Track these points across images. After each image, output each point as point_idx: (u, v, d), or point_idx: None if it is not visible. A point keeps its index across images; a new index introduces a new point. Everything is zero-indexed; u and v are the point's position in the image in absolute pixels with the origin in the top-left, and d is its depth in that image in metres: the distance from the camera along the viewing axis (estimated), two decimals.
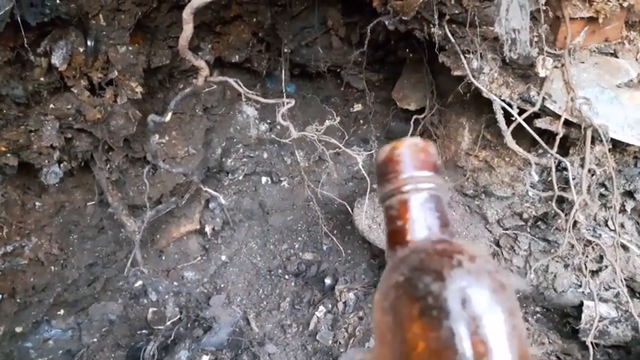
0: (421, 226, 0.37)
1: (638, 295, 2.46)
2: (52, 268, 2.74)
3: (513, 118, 2.08)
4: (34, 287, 2.65)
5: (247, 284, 3.33)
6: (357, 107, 3.86)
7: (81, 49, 2.17)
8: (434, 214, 0.37)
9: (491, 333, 0.29)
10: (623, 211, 2.34)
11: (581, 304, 2.38)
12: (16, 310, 2.60)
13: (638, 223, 2.41)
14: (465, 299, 0.29)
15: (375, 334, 0.34)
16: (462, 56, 2.11)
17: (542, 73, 1.97)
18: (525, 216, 2.55)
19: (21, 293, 2.61)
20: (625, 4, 1.92)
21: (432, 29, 2.15)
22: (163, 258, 3.26)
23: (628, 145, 2.05)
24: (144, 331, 2.95)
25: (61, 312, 2.84)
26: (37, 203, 2.62)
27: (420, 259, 0.33)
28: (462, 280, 0.30)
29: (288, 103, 2.21)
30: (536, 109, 2.04)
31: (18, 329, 2.63)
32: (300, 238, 3.59)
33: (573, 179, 2.12)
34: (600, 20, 1.95)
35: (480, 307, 0.29)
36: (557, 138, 2.06)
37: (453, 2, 2.02)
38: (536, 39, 1.99)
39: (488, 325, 0.29)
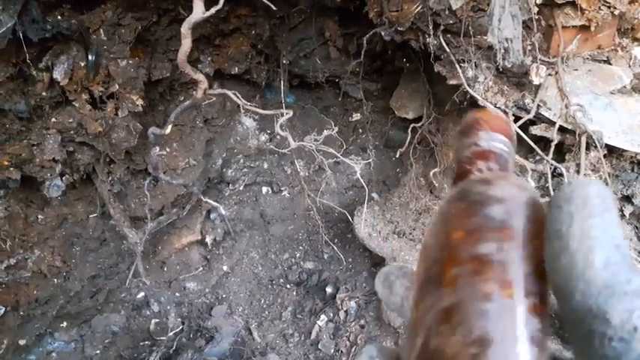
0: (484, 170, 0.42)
1: None
2: (55, 280, 2.76)
3: None
4: (37, 300, 2.67)
5: (249, 294, 3.35)
6: (356, 116, 3.89)
7: (82, 64, 2.20)
8: (497, 167, 0.41)
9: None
10: (621, 216, 2.35)
11: None
12: (19, 322, 2.61)
13: (637, 227, 2.41)
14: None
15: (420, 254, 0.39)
16: (457, 65, 2.14)
17: (536, 81, 1.99)
18: None
19: (24, 306, 2.62)
20: (616, 12, 1.95)
21: (428, 39, 2.18)
22: (165, 269, 3.28)
23: (624, 150, 2.07)
24: (146, 342, 2.96)
25: (64, 324, 2.86)
26: (39, 216, 2.65)
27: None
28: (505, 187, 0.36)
29: (286, 114, 2.24)
30: (531, 116, 2.06)
31: (21, 342, 2.64)
32: (301, 248, 3.60)
33: None
34: (592, 28, 1.98)
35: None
36: (553, 144, 2.08)
37: (447, 12, 2.05)
38: (529, 47, 2.02)
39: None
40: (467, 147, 0.42)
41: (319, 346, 2.86)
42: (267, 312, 3.22)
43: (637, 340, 0.23)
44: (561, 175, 2.13)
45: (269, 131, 3.69)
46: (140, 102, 2.46)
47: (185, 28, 1.70)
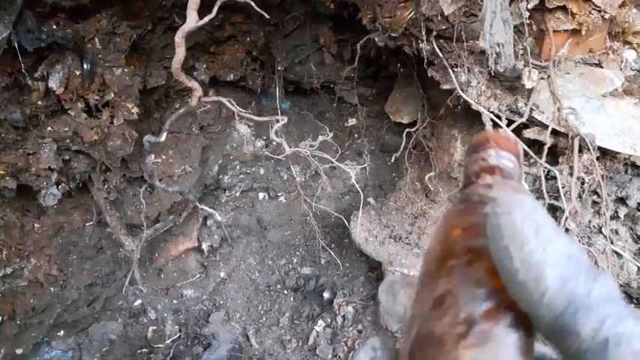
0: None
1: (635, 301, 2.47)
2: (52, 289, 2.75)
3: (502, 130, 2.12)
4: (33, 308, 2.66)
5: (246, 300, 3.34)
6: (352, 122, 3.91)
7: (77, 73, 2.21)
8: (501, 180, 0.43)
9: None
10: (616, 217, 2.36)
11: None
12: (16, 331, 2.60)
13: (631, 229, 2.43)
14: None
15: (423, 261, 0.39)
16: (450, 70, 2.15)
17: (528, 85, 2.01)
18: None
19: (21, 315, 2.61)
20: (607, 16, 1.97)
21: (421, 45, 2.20)
22: (162, 276, 3.27)
23: (617, 152, 2.09)
24: (144, 349, 2.95)
25: (61, 333, 2.85)
26: (36, 225, 2.65)
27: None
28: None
29: (281, 120, 2.25)
30: (524, 119, 2.08)
31: (18, 351, 2.63)
32: (298, 253, 3.60)
33: (563, 187, 2.15)
34: (583, 32, 2.00)
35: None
36: (546, 147, 2.10)
37: (439, 18, 2.07)
38: (521, 52, 2.04)
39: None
40: (475, 162, 0.44)
41: (317, 352, 2.86)
42: (264, 318, 3.21)
43: (611, 350, 0.24)
44: (555, 177, 2.15)
45: (265, 137, 3.70)
46: (135, 110, 2.47)
47: (179, 37, 1.71)
